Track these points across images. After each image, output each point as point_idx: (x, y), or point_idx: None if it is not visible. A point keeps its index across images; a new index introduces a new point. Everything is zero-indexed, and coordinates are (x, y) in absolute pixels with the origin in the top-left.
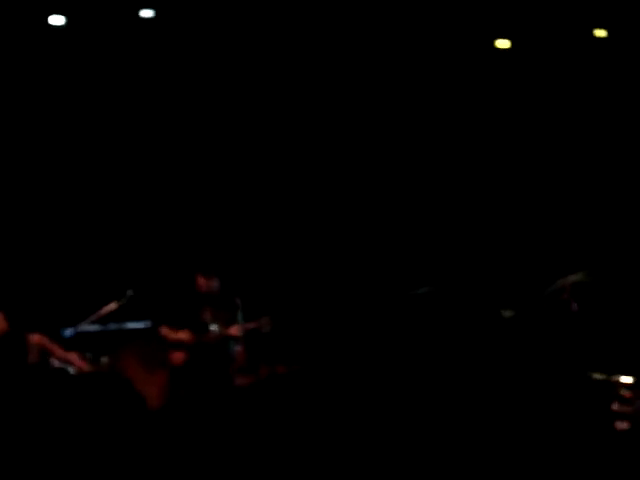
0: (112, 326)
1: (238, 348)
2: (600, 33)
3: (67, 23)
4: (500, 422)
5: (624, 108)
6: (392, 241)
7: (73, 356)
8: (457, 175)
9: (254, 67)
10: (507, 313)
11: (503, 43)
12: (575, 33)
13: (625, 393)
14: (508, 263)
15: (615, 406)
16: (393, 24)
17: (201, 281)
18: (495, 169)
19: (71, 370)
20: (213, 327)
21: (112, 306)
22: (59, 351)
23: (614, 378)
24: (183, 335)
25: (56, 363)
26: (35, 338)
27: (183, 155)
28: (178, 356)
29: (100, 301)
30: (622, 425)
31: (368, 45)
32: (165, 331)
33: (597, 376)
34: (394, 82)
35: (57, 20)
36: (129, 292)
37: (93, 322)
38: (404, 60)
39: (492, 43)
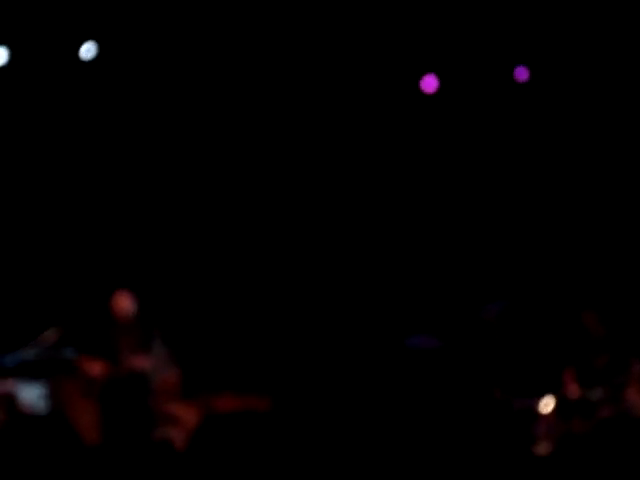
0: (51, 354)
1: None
2: None
3: None
4: (423, 445)
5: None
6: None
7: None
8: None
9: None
10: None
11: None
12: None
13: (548, 418)
14: (433, 291)
15: (538, 430)
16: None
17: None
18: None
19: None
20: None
21: (52, 334)
22: None
23: (536, 403)
24: (95, 372)
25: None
26: None
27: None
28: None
29: (39, 329)
30: (544, 448)
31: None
32: (83, 366)
33: (520, 401)
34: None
35: None
36: (68, 321)
37: (33, 350)
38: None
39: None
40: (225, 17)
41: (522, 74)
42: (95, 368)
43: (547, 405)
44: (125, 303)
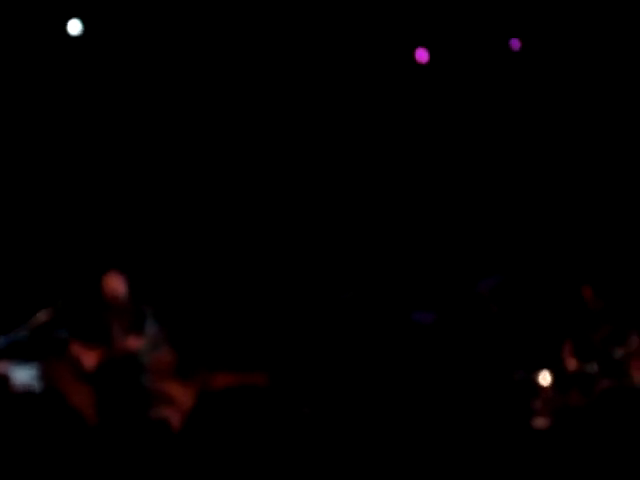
0: (43, 335)
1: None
2: None
3: None
4: (421, 421)
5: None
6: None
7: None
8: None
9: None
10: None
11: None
12: None
13: (545, 391)
14: (429, 265)
15: (535, 404)
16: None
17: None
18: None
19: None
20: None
21: (43, 315)
22: None
23: (534, 377)
24: (87, 355)
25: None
26: None
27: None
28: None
29: (31, 311)
30: (541, 422)
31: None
32: (76, 349)
33: (518, 375)
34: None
35: None
36: (60, 302)
37: (25, 331)
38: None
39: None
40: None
41: (515, 45)
42: (87, 349)
43: (545, 379)
44: (116, 284)
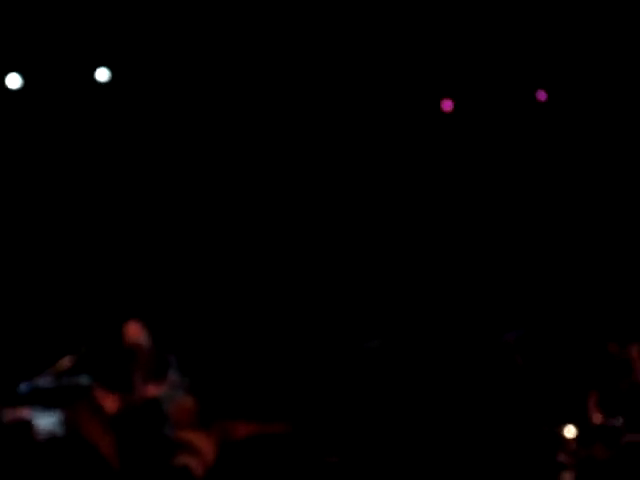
0: (66, 381)
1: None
2: None
3: None
4: (448, 471)
5: None
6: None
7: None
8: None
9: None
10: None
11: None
12: None
13: (570, 444)
14: (451, 317)
15: (561, 457)
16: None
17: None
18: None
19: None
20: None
21: (66, 362)
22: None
23: (559, 430)
24: (109, 401)
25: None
26: None
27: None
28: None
29: (54, 357)
30: (567, 476)
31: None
32: (98, 395)
33: (543, 427)
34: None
35: None
36: (83, 348)
37: (48, 377)
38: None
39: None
40: (241, 45)
41: (542, 96)
42: (109, 397)
43: (570, 431)
44: (137, 332)
